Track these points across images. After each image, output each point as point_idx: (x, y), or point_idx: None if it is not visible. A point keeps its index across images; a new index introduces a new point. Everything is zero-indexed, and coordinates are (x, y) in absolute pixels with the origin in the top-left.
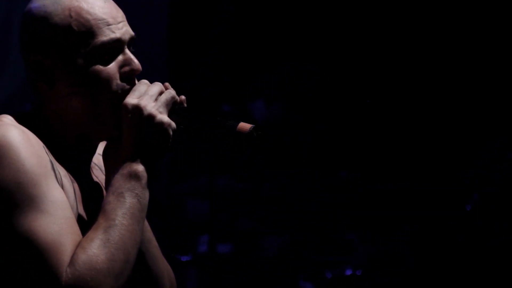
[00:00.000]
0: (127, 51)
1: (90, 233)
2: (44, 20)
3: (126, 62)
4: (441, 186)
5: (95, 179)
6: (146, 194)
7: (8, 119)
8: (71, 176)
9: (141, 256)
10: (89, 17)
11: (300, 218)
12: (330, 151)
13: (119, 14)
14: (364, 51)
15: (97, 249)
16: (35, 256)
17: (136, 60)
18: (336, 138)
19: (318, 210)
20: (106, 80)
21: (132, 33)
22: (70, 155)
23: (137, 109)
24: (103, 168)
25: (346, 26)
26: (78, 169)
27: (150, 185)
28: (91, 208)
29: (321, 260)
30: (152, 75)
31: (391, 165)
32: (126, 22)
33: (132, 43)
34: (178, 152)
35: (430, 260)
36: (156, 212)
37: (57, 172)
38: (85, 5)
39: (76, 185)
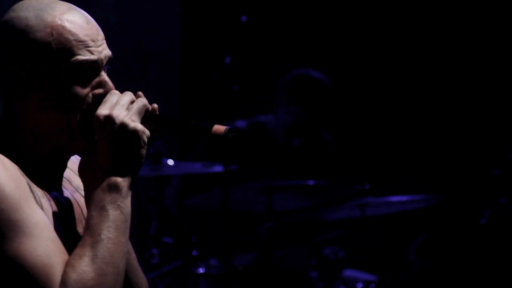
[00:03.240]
0: (103, 73)
1: (77, 250)
2: (24, 33)
3: (101, 85)
4: (451, 197)
5: (66, 192)
6: (128, 204)
7: None
8: (47, 195)
9: None
10: (70, 37)
11: (313, 230)
12: (343, 161)
13: (99, 37)
14: (365, 52)
15: (86, 266)
16: (26, 280)
17: (110, 83)
18: (347, 149)
19: (332, 222)
20: (79, 98)
21: (109, 53)
22: (42, 172)
23: (110, 119)
24: (71, 179)
25: (347, 27)
26: (51, 185)
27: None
28: (67, 224)
29: (335, 272)
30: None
31: (400, 175)
32: (105, 44)
33: (109, 62)
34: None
35: (438, 269)
36: (168, 225)
37: (35, 193)
38: (67, 25)
39: (53, 203)
